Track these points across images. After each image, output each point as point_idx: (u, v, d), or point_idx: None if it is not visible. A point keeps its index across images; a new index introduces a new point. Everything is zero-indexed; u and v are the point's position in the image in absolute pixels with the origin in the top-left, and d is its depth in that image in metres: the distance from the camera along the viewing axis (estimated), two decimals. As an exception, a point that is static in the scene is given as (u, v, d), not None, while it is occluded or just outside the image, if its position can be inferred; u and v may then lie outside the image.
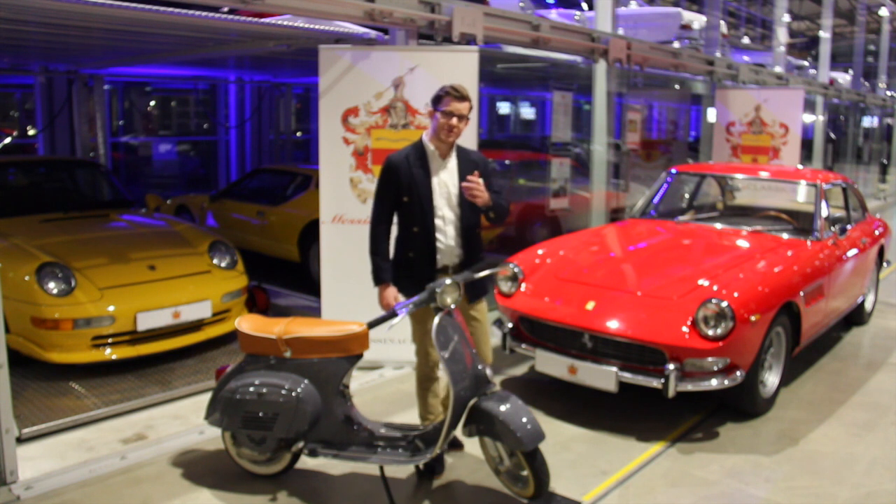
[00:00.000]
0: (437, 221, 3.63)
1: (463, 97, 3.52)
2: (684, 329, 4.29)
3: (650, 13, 12.90)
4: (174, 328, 5.24)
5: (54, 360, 4.86)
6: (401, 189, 3.61)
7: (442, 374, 3.54)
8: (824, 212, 5.77)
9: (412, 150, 3.66)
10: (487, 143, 13.57)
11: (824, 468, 4.07)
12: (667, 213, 6.59)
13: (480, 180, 3.48)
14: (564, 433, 4.41)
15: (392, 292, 3.66)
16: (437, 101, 3.57)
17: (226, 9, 5.14)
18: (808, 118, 14.06)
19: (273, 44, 6.12)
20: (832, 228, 5.78)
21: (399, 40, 5.43)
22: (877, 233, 6.78)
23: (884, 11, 19.82)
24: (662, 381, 4.21)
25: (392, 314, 3.44)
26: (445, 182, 3.65)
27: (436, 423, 3.49)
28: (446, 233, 3.64)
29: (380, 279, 3.67)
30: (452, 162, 3.67)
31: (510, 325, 4.92)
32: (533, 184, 9.47)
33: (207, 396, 3.72)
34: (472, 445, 3.94)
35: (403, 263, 3.69)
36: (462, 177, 3.61)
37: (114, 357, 4.98)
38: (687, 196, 7.07)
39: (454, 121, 3.52)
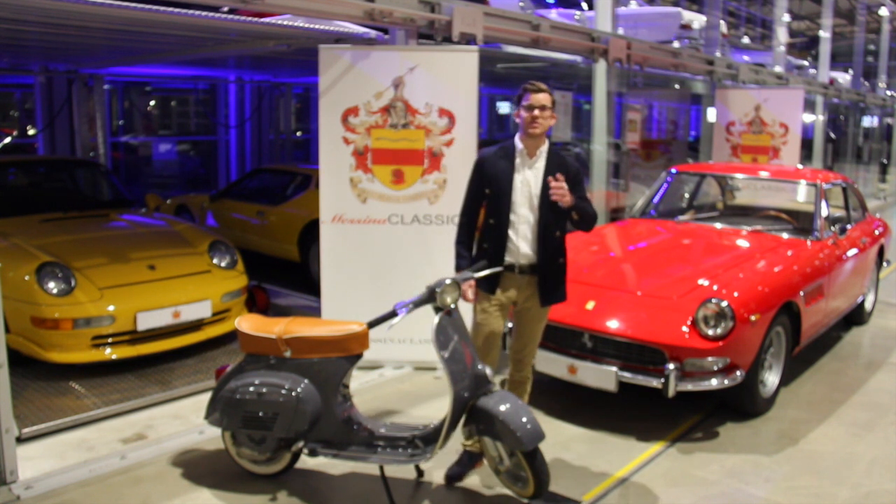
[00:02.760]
0: (512, 217, 3.65)
1: (539, 89, 3.59)
2: (684, 329, 4.29)
3: (650, 13, 12.90)
4: (174, 328, 5.24)
5: (54, 360, 4.86)
6: (484, 181, 3.69)
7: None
8: (824, 211, 5.77)
9: (502, 147, 3.74)
10: (487, 142, 13.51)
11: (824, 468, 4.07)
12: (667, 212, 6.59)
13: (564, 183, 3.51)
14: (564, 433, 4.41)
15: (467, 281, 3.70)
16: (519, 99, 3.65)
17: (226, 9, 5.14)
18: (807, 118, 14.05)
19: (273, 44, 6.12)
20: (832, 228, 5.78)
21: (399, 40, 5.43)
22: (877, 232, 6.78)
23: (884, 11, 19.82)
24: (662, 380, 4.21)
25: (392, 314, 3.44)
26: (528, 181, 3.66)
27: (436, 423, 3.49)
28: (518, 231, 3.66)
29: (458, 266, 3.75)
30: (540, 162, 3.67)
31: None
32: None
33: (207, 396, 3.72)
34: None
35: (480, 253, 3.75)
36: (547, 179, 3.64)
37: (114, 357, 4.98)
38: (687, 196, 7.07)
39: (535, 112, 3.57)
